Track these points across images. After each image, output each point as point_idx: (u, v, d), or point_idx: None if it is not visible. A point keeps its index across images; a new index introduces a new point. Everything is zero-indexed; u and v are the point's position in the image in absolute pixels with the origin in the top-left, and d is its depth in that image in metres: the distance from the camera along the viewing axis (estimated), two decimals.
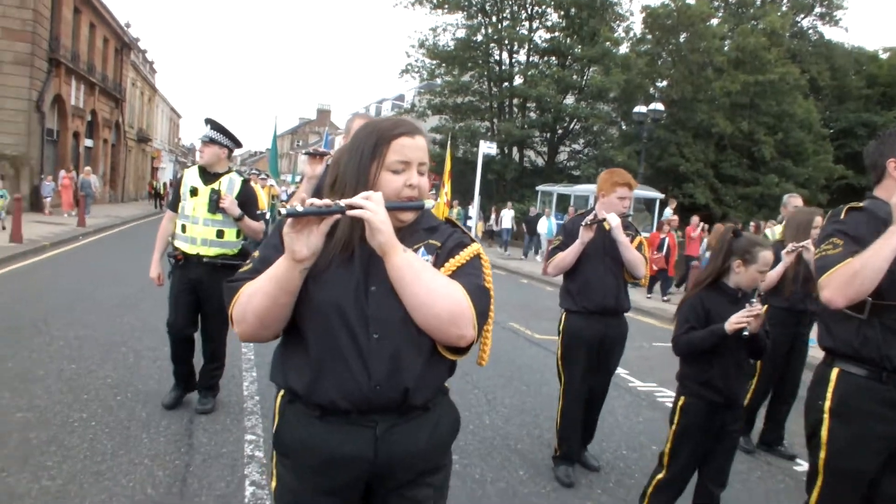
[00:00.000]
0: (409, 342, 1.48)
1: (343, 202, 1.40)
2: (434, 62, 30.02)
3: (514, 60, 30.00)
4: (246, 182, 4.58)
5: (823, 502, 2.41)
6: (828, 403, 2.38)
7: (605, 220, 3.83)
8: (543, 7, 29.39)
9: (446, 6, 29.13)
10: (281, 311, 1.47)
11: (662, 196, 20.31)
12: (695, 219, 14.69)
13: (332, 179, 1.64)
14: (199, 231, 4.43)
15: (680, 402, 3.04)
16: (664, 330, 10.19)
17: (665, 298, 12.94)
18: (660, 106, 19.17)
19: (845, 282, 2.20)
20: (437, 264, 1.53)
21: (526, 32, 29.39)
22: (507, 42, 29.02)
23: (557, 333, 4.08)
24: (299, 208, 1.38)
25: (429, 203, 1.54)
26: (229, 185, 4.46)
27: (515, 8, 29.60)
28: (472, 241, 1.61)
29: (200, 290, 4.48)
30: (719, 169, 25.43)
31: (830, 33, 32.62)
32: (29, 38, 21.59)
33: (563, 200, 21.61)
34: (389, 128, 1.55)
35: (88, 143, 29.77)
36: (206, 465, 3.70)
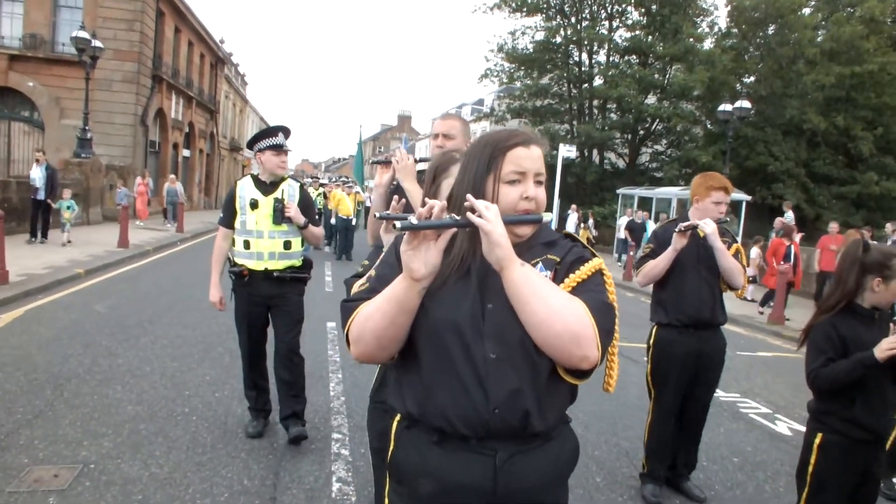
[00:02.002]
0: (528, 363, 1.41)
1: (460, 218, 1.36)
2: (513, 66, 30.01)
3: (593, 61, 29.60)
4: (303, 187, 4.36)
5: None
6: None
7: (698, 226, 3.66)
8: (624, 5, 28.86)
9: (525, 9, 29.07)
10: (399, 331, 1.43)
11: (749, 198, 19.55)
12: (833, 226, 12.97)
13: (448, 195, 1.60)
14: (265, 245, 4.14)
15: (817, 440, 2.71)
16: (748, 338, 9.92)
17: (761, 311, 11.92)
18: (746, 103, 18.49)
19: None
20: (557, 280, 1.46)
21: (606, 32, 28.94)
22: (586, 43, 28.66)
23: (647, 347, 3.93)
24: (415, 221, 1.33)
25: (547, 216, 1.48)
26: (290, 193, 4.20)
27: (595, 8, 29.21)
28: (594, 255, 1.53)
29: (272, 307, 4.22)
30: (811, 168, 24.15)
31: None
32: (136, 57, 23.23)
33: (645, 203, 21.16)
34: (504, 138, 1.51)
35: (186, 153, 31.56)
36: (296, 461, 3.96)
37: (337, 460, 4.03)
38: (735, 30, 27.49)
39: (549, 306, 1.34)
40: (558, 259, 1.50)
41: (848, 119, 23.58)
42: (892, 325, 2.58)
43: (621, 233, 19.62)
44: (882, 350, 2.48)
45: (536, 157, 1.51)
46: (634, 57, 28.91)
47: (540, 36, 29.39)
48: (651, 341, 3.89)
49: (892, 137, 24.01)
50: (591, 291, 1.42)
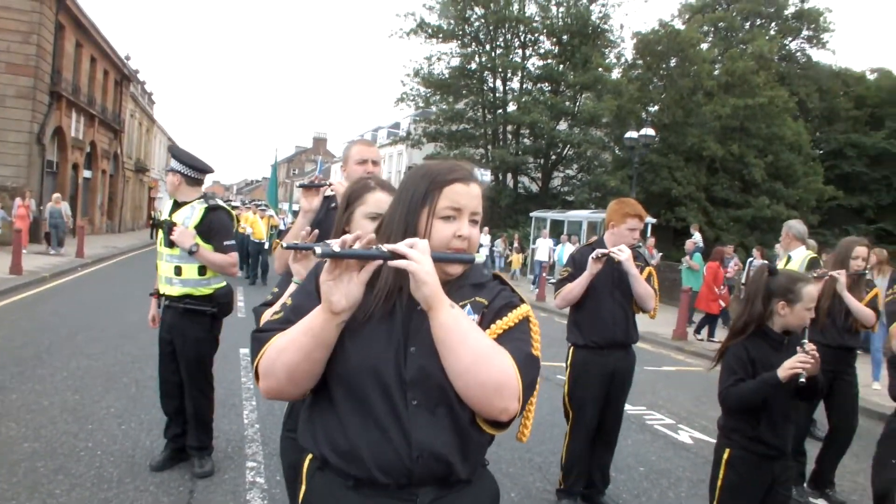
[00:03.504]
0: (451, 410, 1.35)
1: (386, 247, 1.27)
2: (429, 90, 30.50)
3: (507, 88, 30.48)
4: (212, 210, 3.98)
5: None
6: None
7: (613, 253, 3.76)
8: (536, 35, 29.97)
9: (441, 35, 29.67)
10: (313, 366, 1.35)
11: (655, 220, 20.52)
12: (728, 248, 13.90)
13: (378, 224, 1.54)
14: (163, 268, 3.98)
15: (725, 456, 2.81)
16: (654, 354, 10.35)
17: (699, 337, 12.07)
18: (650, 131, 19.47)
19: None
20: (483, 325, 1.39)
21: (519, 60, 29.92)
22: (500, 70, 29.51)
23: (565, 368, 4.03)
24: (336, 248, 1.26)
25: (479, 257, 1.41)
26: (188, 215, 3.94)
27: (509, 36, 30.16)
28: (522, 301, 1.47)
29: (174, 338, 4.01)
30: (711, 192, 25.74)
31: (818, 55, 33.26)
32: (32, 72, 21.94)
33: (557, 226, 21.82)
34: (443, 172, 1.45)
35: (87, 174, 30.03)
36: (208, 492, 3.83)
37: (252, 489, 3.93)
38: (640, 61, 29.04)
39: (475, 354, 1.27)
40: (486, 302, 1.44)
41: (742, 147, 25.30)
42: (798, 348, 2.65)
43: (541, 255, 20.07)
44: (784, 370, 2.58)
45: (475, 195, 1.45)
46: (547, 84, 29.98)
47: (456, 62, 30.09)
48: (569, 361, 3.99)
49: (780, 165, 25.92)
50: (517, 341, 1.37)
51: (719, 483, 2.81)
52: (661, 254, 14.47)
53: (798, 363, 2.56)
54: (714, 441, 5.64)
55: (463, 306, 1.39)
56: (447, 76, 29.97)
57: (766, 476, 2.74)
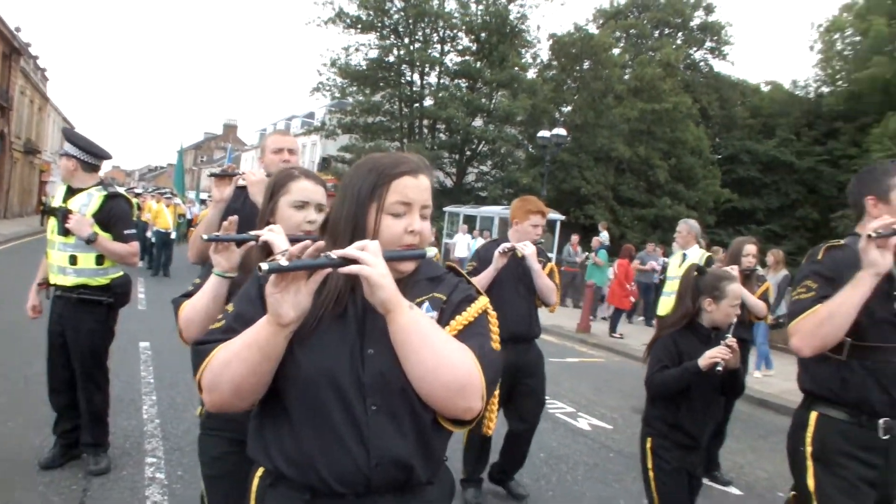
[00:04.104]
0: (412, 413, 1.31)
1: (336, 254, 1.21)
2: (345, 81, 30.10)
3: (425, 82, 30.50)
4: (111, 198, 3.85)
5: None
6: (808, 449, 2.30)
7: (517, 248, 3.86)
8: (455, 31, 30.11)
9: (359, 26, 29.34)
10: (261, 379, 1.28)
11: (563, 218, 21.16)
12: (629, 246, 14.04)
13: (322, 222, 1.49)
14: (54, 257, 3.82)
15: (648, 444, 2.94)
16: (559, 346, 10.65)
17: (615, 335, 12.36)
18: (562, 131, 20.01)
19: (811, 332, 2.17)
20: (443, 321, 1.36)
21: (437, 55, 30.00)
22: (418, 64, 29.51)
23: None
24: (283, 262, 1.18)
25: (430, 251, 1.37)
26: (85, 202, 3.79)
27: (428, 31, 30.17)
28: (479, 293, 1.45)
29: (65, 330, 3.85)
30: (618, 191, 26.81)
31: (719, 66, 35.20)
32: None
33: (470, 221, 22.11)
34: (390, 165, 1.39)
35: None
36: (104, 489, 3.70)
37: (151, 485, 3.82)
38: (555, 62, 29.79)
39: (438, 355, 1.23)
40: (444, 297, 1.40)
41: (648, 149, 26.47)
42: (721, 341, 2.79)
43: (459, 251, 20.19)
44: (705, 359, 2.73)
45: (424, 188, 1.40)
46: (464, 81, 30.22)
47: (374, 54, 29.82)
48: None
49: (682, 167, 27.30)
50: (477, 336, 1.34)
51: (651, 473, 2.91)
52: (586, 253, 14.83)
53: (718, 353, 2.72)
54: (611, 427, 6.06)
55: (420, 303, 1.36)
56: (365, 67, 29.68)
57: (684, 464, 2.88)
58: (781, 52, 75.90)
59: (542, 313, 4.24)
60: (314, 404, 1.30)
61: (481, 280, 3.91)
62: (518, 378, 4.00)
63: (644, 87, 27.35)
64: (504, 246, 3.88)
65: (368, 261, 1.20)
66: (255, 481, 1.40)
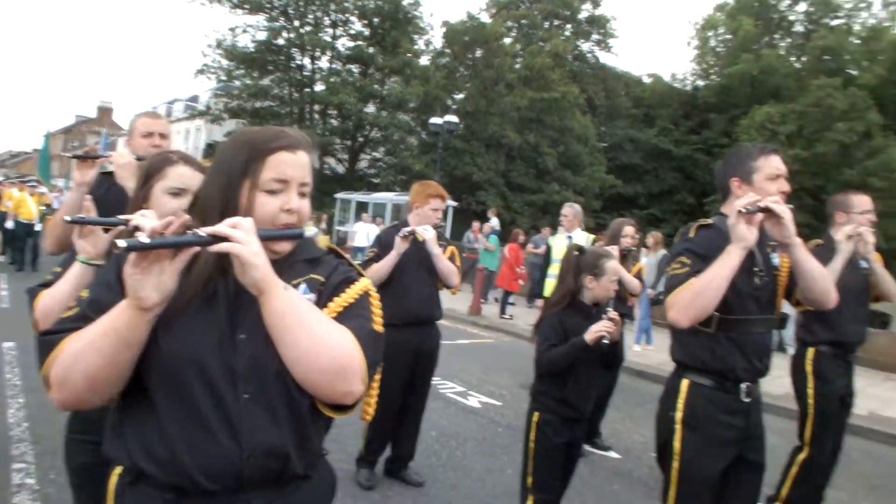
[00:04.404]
0: (287, 400, 1.25)
1: (205, 231, 1.13)
2: (232, 64, 28.95)
3: (316, 66, 29.83)
4: None
5: None
6: (679, 414, 2.44)
7: (418, 232, 3.87)
8: (347, 15, 29.61)
9: (247, 6, 28.26)
10: (120, 370, 1.18)
11: (456, 204, 21.34)
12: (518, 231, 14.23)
13: (192, 201, 1.39)
14: None
15: (535, 419, 3.02)
16: (451, 328, 10.68)
17: (504, 316, 12.63)
18: (454, 118, 20.17)
19: (687, 304, 2.28)
20: (321, 303, 1.30)
21: (329, 39, 29.40)
22: (309, 47, 28.80)
23: None
24: (145, 239, 1.09)
25: (310, 231, 1.32)
26: None
27: (319, 14, 29.50)
28: (360, 274, 1.39)
29: None
30: (509, 178, 27.37)
31: (605, 58, 36.54)
32: None
33: (362, 208, 21.88)
34: (266, 140, 1.31)
35: None
36: None
37: (20, 491, 3.55)
38: (448, 50, 29.89)
39: (314, 337, 1.17)
40: (323, 279, 1.34)
41: (538, 137, 27.16)
42: (603, 315, 2.92)
43: (359, 241, 19.82)
44: (590, 333, 2.86)
45: (303, 164, 1.32)
46: (356, 66, 29.80)
47: (262, 36, 28.83)
48: None
49: (570, 154, 28.23)
50: (358, 318, 1.29)
51: (531, 446, 3.02)
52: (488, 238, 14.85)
53: (602, 327, 2.85)
54: (500, 404, 6.16)
55: (297, 285, 1.29)
56: (253, 50, 28.64)
57: (567, 435, 3.01)
58: (662, 47, 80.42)
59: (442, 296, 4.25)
60: (180, 395, 1.21)
61: (383, 265, 3.91)
62: (420, 359, 4.05)
63: (534, 77, 27.98)
64: (404, 230, 3.89)
65: (241, 238, 1.13)
66: (114, 479, 1.29)
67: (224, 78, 29.55)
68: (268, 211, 1.27)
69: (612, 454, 5.20)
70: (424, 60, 30.02)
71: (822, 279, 2.46)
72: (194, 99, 42.95)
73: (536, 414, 3.03)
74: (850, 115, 27.15)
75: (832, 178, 24.59)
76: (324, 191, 27.18)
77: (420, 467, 4.33)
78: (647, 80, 37.73)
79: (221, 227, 1.14)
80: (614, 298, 4.94)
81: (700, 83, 37.21)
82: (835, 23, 34.52)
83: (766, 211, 2.28)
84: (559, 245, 6.52)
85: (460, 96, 29.32)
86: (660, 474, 2.54)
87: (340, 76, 28.56)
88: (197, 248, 1.16)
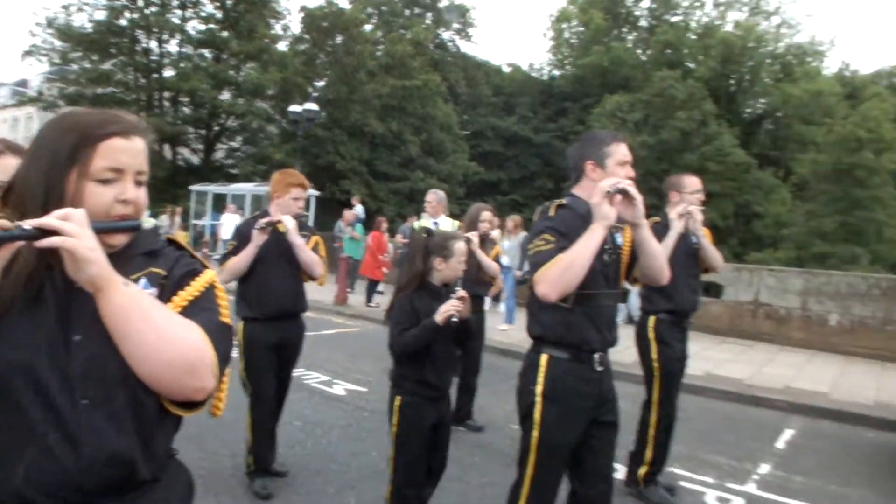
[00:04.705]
0: (132, 403, 1.16)
1: (29, 224, 1.03)
2: (67, 45, 26.45)
3: (164, 50, 27.93)
4: None
5: (537, 476, 2.57)
6: (539, 387, 2.55)
7: (279, 222, 3.77)
8: None
9: None
10: None
11: (319, 193, 20.87)
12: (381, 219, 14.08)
13: (3, 189, 1.24)
14: None
15: (397, 403, 3.06)
16: (316, 319, 10.45)
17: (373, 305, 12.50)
18: (314, 106, 19.63)
19: (556, 278, 2.37)
20: (163, 298, 1.22)
21: (178, 21, 27.61)
22: (155, 29, 26.90)
23: (238, 343, 3.90)
24: None
25: (148, 222, 1.13)
26: None
27: None
28: (205, 266, 1.33)
29: None
30: (373, 166, 27.14)
31: (465, 47, 37.19)
32: None
33: (220, 200, 20.86)
34: (96, 124, 1.20)
35: None
36: None
37: None
38: (307, 36, 29.05)
39: (160, 333, 1.09)
40: (164, 273, 1.26)
41: (401, 125, 27.15)
42: (451, 295, 2.98)
43: (226, 234, 18.80)
44: (440, 314, 2.92)
45: (139, 151, 1.22)
46: (208, 51, 28.24)
47: (101, 15, 26.52)
48: (240, 337, 3.91)
49: (433, 142, 28.51)
50: (205, 311, 1.22)
51: (394, 430, 3.06)
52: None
53: (451, 307, 2.92)
54: (366, 390, 6.13)
55: (136, 280, 1.21)
56: (91, 30, 26.32)
57: (432, 416, 3.06)
58: (520, 37, 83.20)
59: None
60: (7, 405, 1.11)
61: (242, 258, 3.76)
62: (285, 353, 3.97)
63: (395, 64, 27.90)
64: (262, 221, 3.77)
65: (73, 232, 1.04)
66: None
67: (58, 61, 26.97)
68: (101, 202, 1.19)
69: (475, 428, 5.39)
70: (282, 46, 29.00)
71: (661, 258, 2.68)
72: (23, 83, 39.01)
73: (398, 398, 3.06)
74: (688, 105, 29.41)
75: (675, 163, 26.46)
76: (178, 183, 25.68)
77: (284, 458, 4.26)
78: (506, 69, 38.88)
79: (50, 220, 1.04)
80: (463, 278, 5.11)
81: (556, 73, 38.85)
82: (674, 19, 37.22)
83: (624, 193, 2.45)
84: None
85: (321, 84, 28.64)
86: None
87: (192, 61, 26.96)
88: (20, 243, 1.06)
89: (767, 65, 36.03)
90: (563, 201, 2.66)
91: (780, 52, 36.89)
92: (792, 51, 37.03)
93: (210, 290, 1.28)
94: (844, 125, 27.75)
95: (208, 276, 1.29)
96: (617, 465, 4.42)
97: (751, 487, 4.62)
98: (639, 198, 2.47)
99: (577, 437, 2.58)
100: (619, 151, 2.60)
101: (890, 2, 68.73)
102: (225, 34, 27.56)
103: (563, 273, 2.37)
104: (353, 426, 5.22)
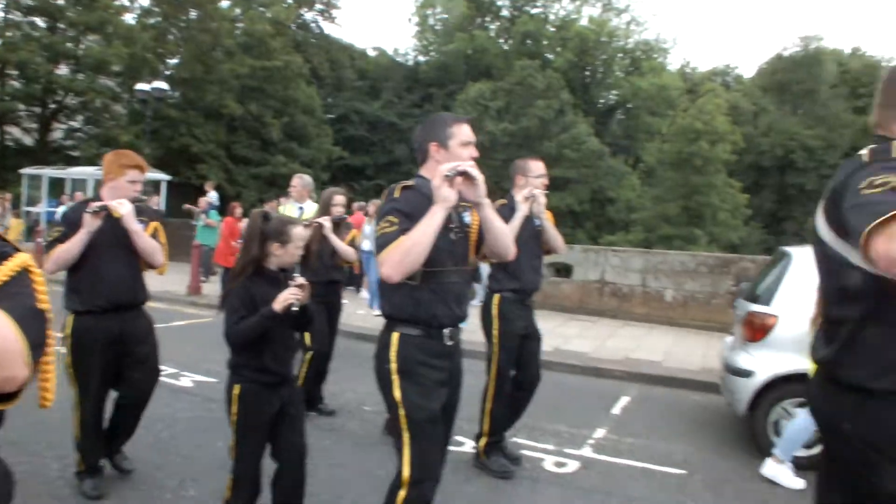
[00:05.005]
0: None
1: None
2: None
3: None
4: None
5: (414, 453, 2.58)
6: (394, 365, 2.60)
7: (111, 206, 3.51)
8: None
9: None
10: None
11: (170, 178, 19.74)
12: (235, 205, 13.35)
13: None
14: None
15: (236, 391, 3.00)
16: (167, 311, 10.03)
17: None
18: (164, 84, 18.53)
19: (399, 259, 2.41)
20: None
21: None
22: None
23: (63, 338, 3.57)
24: None
25: None
26: None
27: None
28: (17, 249, 1.26)
29: None
30: (231, 150, 26.03)
31: (329, 28, 36.43)
32: None
33: (58, 185, 19.15)
34: None
35: None
36: None
37: None
38: (157, 9, 27.19)
39: None
40: None
41: (261, 107, 26.21)
42: (289, 282, 2.92)
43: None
44: (278, 302, 2.87)
45: None
46: (41, 19, 25.63)
47: None
48: (68, 331, 3.61)
49: (296, 126, 27.81)
50: (17, 296, 1.17)
51: (233, 419, 3.00)
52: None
53: (290, 295, 2.87)
54: (216, 380, 5.93)
55: None
56: None
57: (275, 401, 3.01)
58: (385, 21, 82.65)
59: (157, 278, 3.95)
60: None
61: (71, 246, 3.47)
62: (127, 348, 3.69)
63: (255, 44, 26.85)
64: (94, 205, 3.50)
65: None
66: None
67: None
68: None
69: (327, 412, 5.39)
70: (130, 19, 26.95)
71: (505, 236, 2.79)
72: None
73: (237, 387, 2.99)
74: (547, 94, 30.70)
75: (535, 150, 27.51)
76: (6, 166, 23.26)
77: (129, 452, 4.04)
78: (371, 53, 38.59)
79: None
80: (329, 267, 5.03)
81: (421, 59, 39.08)
82: (534, 11, 38.57)
83: (465, 174, 2.52)
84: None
85: (174, 62, 26.96)
86: (372, 426, 2.71)
87: (21, 30, 24.39)
88: None
89: (619, 59, 38.37)
90: (411, 182, 2.71)
91: (629, 48, 39.37)
92: (640, 47, 39.64)
93: (23, 273, 1.23)
94: (684, 117, 30.17)
95: (20, 259, 1.24)
96: (462, 439, 4.67)
97: (586, 451, 4.93)
98: (480, 178, 2.55)
99: (440, 409, 2.66)
100: (462, 132, 2.67)
101: (724, 6, 75.24)
102: (61, 1, 25.16)
103: (404, 255, 2.42)
104: (202, 418, 5.05)
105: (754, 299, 5.22)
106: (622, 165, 33.08)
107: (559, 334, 9.09)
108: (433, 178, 2.54)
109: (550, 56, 36.23)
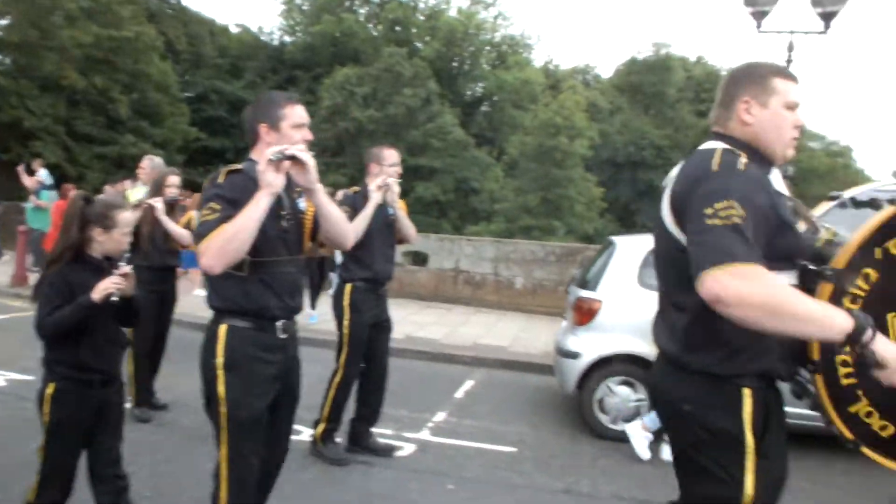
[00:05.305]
0: None
1: None
2: None
3: None
4: None
5: (233, 453, 2.48)
6: (220, 359, 2.47)
7: None
8: None
9: None
10: None
11: (3, 156, 17.89)
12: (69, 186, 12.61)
13: None
14: None
15: (50, 390, 2.80)
16: None
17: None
18: None
19: (220, 249, 2.29)
20: None
21: None
22: None
23: None
24: None
25: None
26: None
27: None
28: None
29: None
30: (72, 126, 23.81)
31: (187, 1, 34.30)
32: None
33: None
34: None
35: None
36: None
37: None
38: None
39: None
40: None
41: (107, 81, 24.20)
42: (114, 271, 2.76)
43: None
44: (98, 291, 2.70)
45: None
46: None
47: None
48: None
49: (147, 103, 25.94)
50: None
51: (46, 419, 2.81)
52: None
53: (111, 283, 2.72)
54: (33, 378, 5.48)
55: None
56: None
57: (93, 401, 2.83)
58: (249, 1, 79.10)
59: None
60: None
61: None
62: None
63: (101, 10, 24.68)
64: None
65: None
66: None
67: None
68: None
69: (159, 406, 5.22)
70: None
71: (341, 222, 2.69)
72: None
73: (51, 385, 2.81)
74: (415, 83, 30.79)
75: (402, 138, 27.56)
76: None
77: None
78: (234, 30, 36.91)
79: None
80: (165, 251, 4.77)
81: (287, 39, 37.86)
82: None
83: (293, 159, 2.42)
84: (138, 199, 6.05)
85: (3, 23, 24.29)
86: (204, 419, 2.59)
87: None
88: None
89: (486, 52, 39.21)
90: (239, 167, 2.57)
91: (496, 42, 40.32)
92: (506, 41, 40.69)
93: None
94: (545, 112, 31.43)
95: None
96: (301, 428, 4.60)
97: (424, 434, 5.04)
98: (311, 162, 2.45)
99: (265, 407, 2.54)
100: (295, 113, 2.55)
101: (586, 7, 78.95)
102: None
103: (225, 244, 2.30)
104: (11, 418, 4.73)
105: (584, 285, 5.54)
106: (487, 157, 33.90)
107: (413, 322, 9.20)
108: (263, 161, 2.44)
109: (419, 45, 36.34)
